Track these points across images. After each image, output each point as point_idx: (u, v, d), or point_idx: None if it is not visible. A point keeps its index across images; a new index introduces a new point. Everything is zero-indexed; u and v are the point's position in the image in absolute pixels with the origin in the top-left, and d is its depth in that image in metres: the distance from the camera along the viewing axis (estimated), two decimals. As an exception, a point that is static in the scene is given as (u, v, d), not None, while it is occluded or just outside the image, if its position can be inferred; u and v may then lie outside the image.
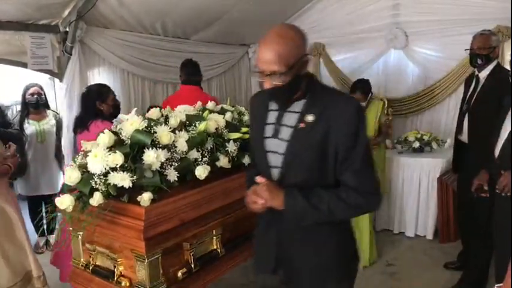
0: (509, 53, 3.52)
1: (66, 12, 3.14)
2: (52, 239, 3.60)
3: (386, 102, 3.36)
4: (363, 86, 3.28)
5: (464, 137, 2.83)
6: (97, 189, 1.57)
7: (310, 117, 1.30)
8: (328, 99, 1.32)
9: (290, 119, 1.34)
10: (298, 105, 1.34)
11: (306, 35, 1.32)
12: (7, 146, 2.39)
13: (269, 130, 1.39)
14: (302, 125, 1.30)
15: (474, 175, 2.34)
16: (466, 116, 2.81)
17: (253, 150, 1.53)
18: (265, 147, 1.39)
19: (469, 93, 2.84)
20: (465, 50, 2.84)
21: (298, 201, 1.29)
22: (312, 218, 1.30)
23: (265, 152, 1.40)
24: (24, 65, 3.09)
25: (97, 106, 2.70)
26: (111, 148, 1.65)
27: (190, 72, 3.32)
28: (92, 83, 3.61)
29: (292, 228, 1.38)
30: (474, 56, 2.73)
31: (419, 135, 3.80)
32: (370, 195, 1.31)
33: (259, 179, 1.34)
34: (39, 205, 3.53)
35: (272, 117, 1.39)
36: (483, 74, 2.74)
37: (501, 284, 1.39)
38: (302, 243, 1.40)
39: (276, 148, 1.36)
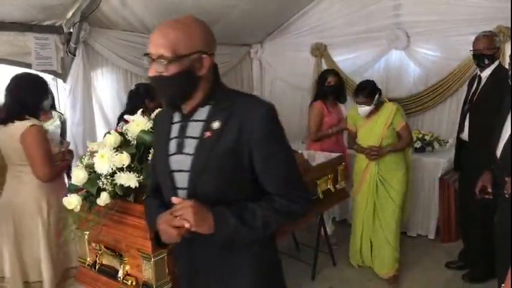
0: (509, 53, 3.53)
1: (70, 14, 3.15)
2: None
3: (401, 108, 2.99)
4: (365, 87, 2.90)
5: (465, 135, 2.87)
6: (104, 189, 1.59)
7: (216, 124, 1.14)
8: (235, 104, 1.16)
9: (195, 129, 1.18)
10: (202, 113, 1.18)
11: (212, 34, 1.19)
12: (61, 141, 2.50)
13: (173, 145, 1.21)
14: (208, 133, 1.14)
15: (474, 174, 2.36)
16: (468, 115, 2.85)
17: (156, 173, 1.32)
18: (170, 166, 1.21)
19: (471, 93, 2.88)
20: (470, 50, 2.87)
21: (230, 223, 1.11)
22: (246, 238, 1.16)
23: (169, 172, 1.21)
24: (28, 65, 3.10)
25: (146, 104, 2.72)
26: (118, 149, 1.67)
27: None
28: (96, 83, 3.64)
29: (213, 252, 1.22)
30: (480, 56, 2.78)
31: (420, 135, 3.81)
32: (301, 199, 1.20)
33: (175, 199, 1.14)
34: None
35: (175, 130, 1.22)
36: (485, 74, 2.79)
37: (503, 285, 1.41)
38: (223, 268, 1.24)
39: (181, 165, 1.18)
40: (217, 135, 1.13)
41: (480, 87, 2.81)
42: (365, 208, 3.03)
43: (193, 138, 1.17)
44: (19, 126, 2.17)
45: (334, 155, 3.11)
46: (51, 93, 3.12)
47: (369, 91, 2.87)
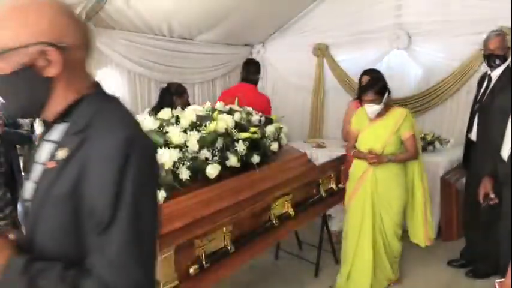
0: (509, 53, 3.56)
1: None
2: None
3: (411, 115, 2.69)
4: (375, 83, 2.60)
5: (473, 135, 2.90)
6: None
7: (61, 153, 0.82)
8: (92, 126, 0.82)
9: (44, 151, 0.88)
10: (57, 132, 0.88)
11: (71, 20, 0.85)
12: None
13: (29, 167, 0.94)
14: (51, 163, 0.83)
15: (481, 173, 2.39)
16: (476, 114, 2.88)
17: None
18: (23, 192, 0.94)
19: (481, 92, 2.91)
20: (480, 49, 2.88)
21: (17, 282, 0.80)
22: None
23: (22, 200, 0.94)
24: (34, 66, 3.13)
25: (173, 100, 3.02)
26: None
27: (252, 71, 3.59)
28: (100, 83, 3.68)
29: None
30: (492, 56, 2.78)
31: (422, 135, 3.83)
32: None
33: None
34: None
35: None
36: (495, 74, 2.81)
37: (502, 280, 1.43)
38: None
39: (25, 193, 0.90)
40: (59, 168, 0.81)
41: (490, 86, 2.84)
42: (360, 219, 2.70)
43: (39, 163, 0.88)
44: None
45: (337, 154, 3.14)
46: None
47: (379, 87, 2.57)
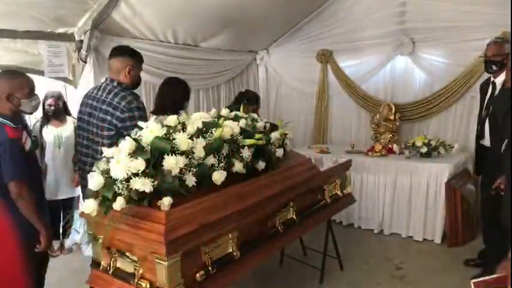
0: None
1: (82, 22, 3.22)
2: (66, 242, 3.69)
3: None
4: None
5: (487, 141, 2.93)
6: (120, 194, 1.63)
7: None
8: None
9: None
10: None
11: None
12: None
13: None
14: None
15: (497, 176, 2.41)
16: (487, 121, 2.91)
17: None
18: None
19: (487, 99, 2.94)
20: (479, 57, 2.94)
21: None
22: None
23: None
24: (41, 73, 3.17)
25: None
26: (132, 155, 1.71)
27: None
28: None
29: None
30: (488, 62, 2.88)
31: (426, 141, 3.84)
32: None
33: None
34: (58, 209, 3.61)
35: None
36: (499, 80, 2.85)
37: (479, 280, 1.43)
38: None
39: None
40: None
41: (496, 93, 2.87)
42: None
43: None
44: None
45: (342, 159, 3.14)
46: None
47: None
